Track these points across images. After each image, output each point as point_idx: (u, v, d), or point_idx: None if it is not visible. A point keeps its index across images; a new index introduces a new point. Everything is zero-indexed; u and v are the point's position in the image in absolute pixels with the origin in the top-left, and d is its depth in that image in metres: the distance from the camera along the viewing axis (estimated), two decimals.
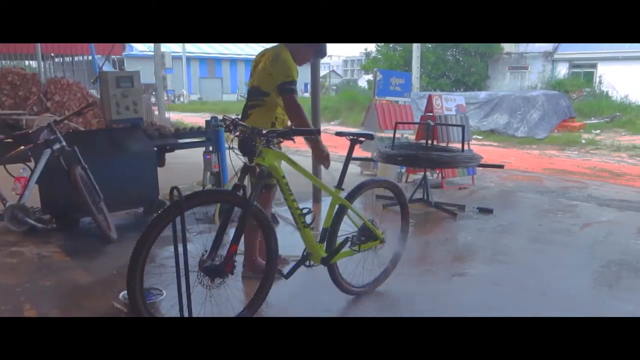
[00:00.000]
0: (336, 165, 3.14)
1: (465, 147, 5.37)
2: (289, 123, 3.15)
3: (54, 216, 4.35)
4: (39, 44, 13.11)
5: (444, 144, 6.07)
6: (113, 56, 19.06)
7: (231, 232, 2.50)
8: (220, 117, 4.29)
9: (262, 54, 3.14)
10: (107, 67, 13.71)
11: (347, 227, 2.90)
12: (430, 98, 6.85)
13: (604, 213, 5.23)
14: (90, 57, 14.19)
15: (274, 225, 3.66)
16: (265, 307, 2.72)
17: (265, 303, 2.68)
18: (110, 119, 4.61)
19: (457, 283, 3.31)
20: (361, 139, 2.89)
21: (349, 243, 2.87)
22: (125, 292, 2.51)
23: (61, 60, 17.21)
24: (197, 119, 15.75)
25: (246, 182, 2.51)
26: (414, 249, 3.75)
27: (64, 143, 3.98)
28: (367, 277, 3.07)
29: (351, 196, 2.89)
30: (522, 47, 22.94)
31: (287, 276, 2.74)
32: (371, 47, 27.25)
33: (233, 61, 38.18)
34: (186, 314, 2.27)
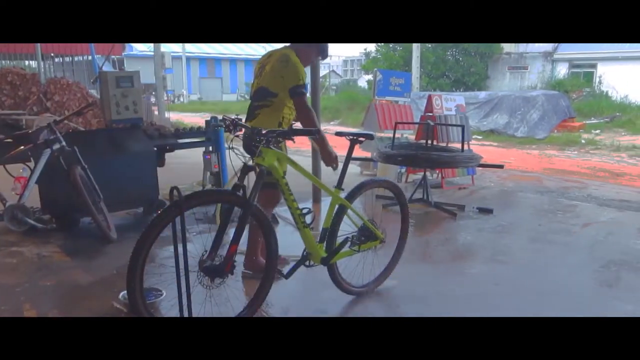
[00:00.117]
0: None
1: (465, 147, 5.37)
2: (291, 121, 3.16)
3: (53, 216, 4.35)
4: (39, 44, 13.12)
5: (443, 144, 6.07)
6: (113, 56, 19.07)
7: (231, 232, 2.50)
8: (220, 117, 4.30)
9: (269, 55, 3.15)
10: (107, 67, 13.72)
11: (347, 227, 2.90)
12: (430, 98, 6.85)
13: (604, 213, 5.24)
14: (90, 57, 14.18)
15: (274, 225, 3.67)
16: (265, 307, 2.72)
17: (265, 303, 2.68)
18: (110, 119, 4.61)
19: (456, 283, 3.30)
20: (361, 139, 2.89)
21: (348, 243, 2.87)
22: (125, 292, 2.51)
23: (61, 60, 17.22)
24: (197, 119, 15.75)
25: (246, 182, 2.51)
26: (414, 249, 3.75)
27: (63, 143, 3.98)
28: (367, 277, 3.07)
29: (351, 196, 2.89)
30: (522, 47, 22.93)
31: (287, 276, 2.74)
32: (371, 47, 27.27)
33: (233, 61, 38.19)
34: (186, 314, 2.27)
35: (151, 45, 15.48)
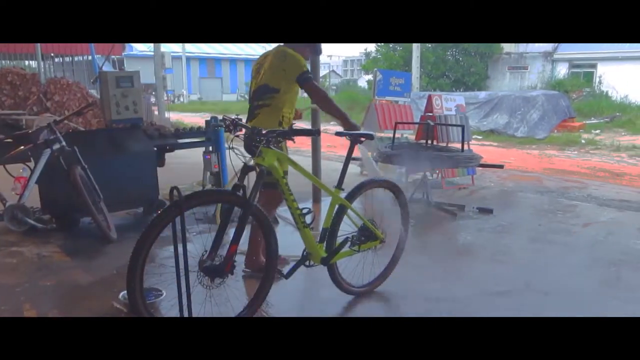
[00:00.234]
0: (336, 165, 3.14)
1: (465, 147, 5.37)
2: (291, 120, 3.17)
3: (53, 216, 4.35)
4: (39, 44, 13.11)
5: (443, 144, 6.07)
6: (113, 56, 19.06)
7: (231, 232, 2.50)
8: (220, 117, 4.29)
9: (265, 55, 3.17)
10: (107, 67, 13.72)
11: (347, 227, 2.90)
12: (430, 98, 6.85)
13: (604, 213, 5.23)
14: (90, 57, 14.18)
15: (274, 225, 3.67)
16: (265, 307, 2.72)
17: (265, 303, 2.68)
18: (110, 119, 4.61)
19: (456, 283, 3.30)
20: (361, 139, 2.89)
21: (348, 243, 2.87)
22: (125, 292, 2.51)
23: (61, 60, 17.21)
24: (197, 119, 15.75)
25: (246, 182, 2.51)
26: (414, 248, 3.74)
27: (63, 143, 3.98)
28: (367, 277, 3.07)
29: (351, 196, 2.90)
30: (522, 47, 22.93)
31: (287, 276, 2.74)
32: (371, 47, 27.27)
33: (233, 61, 38.19)
34: (186, 314, 2.27)
35: (151, 45, 15.47)
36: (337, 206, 2.83)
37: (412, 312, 2.84)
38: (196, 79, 36.61)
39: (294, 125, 3.21)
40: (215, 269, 2.34)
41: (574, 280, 3.38)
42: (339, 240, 2.85)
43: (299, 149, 6.49)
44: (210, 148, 4.93)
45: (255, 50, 36.21)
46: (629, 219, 5.01)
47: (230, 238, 2.42)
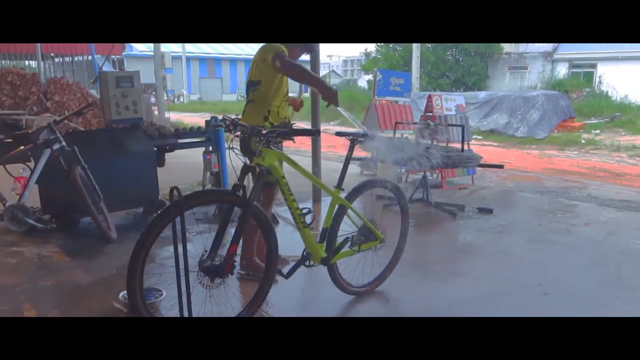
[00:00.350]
0: (336, 165, 3.14)
1: (465, 147, 5.37)
2: (283, 116, 3.16)
3: (53, 216, 4.35)
4: (39, 44, 13.09)
5: (443, 144, 6.07)
6: (113, 56, 19.06)
7: (231, 232, 2.50)
8: (220, 117, 4.29)
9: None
10: (107, 67, 13.71)
11: (347, 227, 2.90)
12: (430, 98, 6.85)
13: (604, 213, 5.23)
14: (90, 57, 14.17)
15: (274, 225, 3.66)
16: (265, 307, 2.72)
17: (265, 303, 2.68)
18: (110, 119, 4.61)
19: (457, 283, 3.30)
20: (361, 139, 2.89)
21: (348, 243, 2.87)
22: (125, 292, 2.51)
23: (61, 60, 17.19)
24: (197, 119, 15.75)
25: (246, 182, 2.50)
26: (414, 248, 3.75)
27: (63, 143, 3.98)
28: (367, 277, 3.06)
29: (351, 196, 2.89)
30: (522, 47, 22.93)
31: (287, 276, 2.73)
32: (371, 47, 27.25)
33: (233, 61, 38.17)
34: (186, 314, 2.27)
35: (151, 45, 15.46)
36: (337, 206, 2.83)
37: (412, 312, 2.84)
38: (196, 79, 36.59)
39: (293, 125, 3.21)
40: (215, 269, 2.34)
41: (574, 280, 3.38)
42: (339, 240, 2.85)
43: (298, 149, 6.49)
44: (210, 148, 4.93)
45: (255, 50, 36.15)
46: (629, 219, 5.01)
47: (230, 238, 2.42)
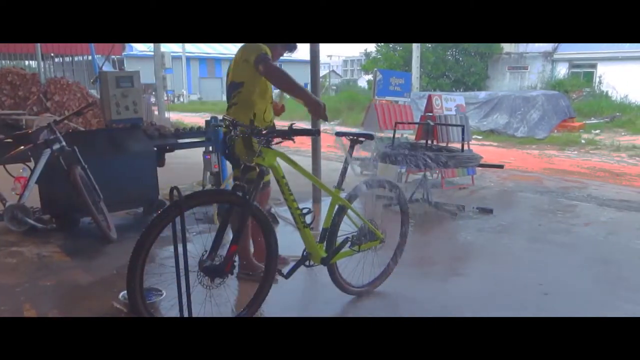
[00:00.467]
0: (336, 165, 3.14)
1: (465, 147, 5.37)
2: (269, 119, 3.11)
3: (54, 216, 4.35)
4: (39, 44, 13.10)
5: (443, 144, 6.07)
6: (113, 56, 19.06)
7: (231, 232, 2.50)
8: (220, 117, 4.29)
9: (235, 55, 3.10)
10: (107, 67, 13.72)
11: (347, 227, 2.90)
12: (430, 98, 6.85)
13: (604, 213, 5.24)
14: (90, 57, 14.18)
15: (274, 225, 3.66)
16: (265, 307, 2.72)
17: (265, 303, 2.68)
18: (110, 119, 4.61)
19: (457, 283, 3.31)
20: (361, 139, 2.89)
21: (348, 243, 2.87)
22: (125, 292, 2.51)
23: (61, 60, 17.19)
24: (197, 119, 15.75)
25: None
26: (414, 248, 3.75)
27: (63, 143, 3.98)
28: (367, 277, 3.06)
29: (351, 196, 2.89)
30: (522, 47, 22.93)
31: (287, 276, 2.73)
32: (371, 47, 27.24)
33: None
34: (186, 314, 2.27)
35: (151, 45, 15.47)
36: (337, 206, 2.82)
37: (412, 312, 2.84)
38: (196, 79, 36.59)
39: (293, 125, 3.20)
40: (215, 269, 2.34)
41: (574, 280, 3.38)
42: (339, 240, 2.85)
43: (298, 149, 6.49)
44: (210, 148, 4.93)
45: None
46: (629, 219, 5.01)
47: (230, 238, 2.42)
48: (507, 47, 22.98)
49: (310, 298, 3.13)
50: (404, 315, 2.80)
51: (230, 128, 2.57)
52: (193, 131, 5.30)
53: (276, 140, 2.54)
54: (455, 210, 5.17)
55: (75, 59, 16.75)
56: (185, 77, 33.63)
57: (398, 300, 3.07)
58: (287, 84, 2.85)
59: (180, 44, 32.19)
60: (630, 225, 4.79)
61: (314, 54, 5.04)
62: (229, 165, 4.43)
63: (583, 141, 12.13)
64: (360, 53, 44.76)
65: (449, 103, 7.00)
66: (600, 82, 20.28)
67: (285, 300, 2.98)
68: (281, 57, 3.29)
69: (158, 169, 4.73)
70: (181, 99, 31.35)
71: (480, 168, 6.20)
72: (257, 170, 2.48)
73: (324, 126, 5.07)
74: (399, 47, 23.25)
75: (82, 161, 3.94)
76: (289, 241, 3.24)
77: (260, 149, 2.49)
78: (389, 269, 3.19)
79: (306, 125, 4.68)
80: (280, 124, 3.08)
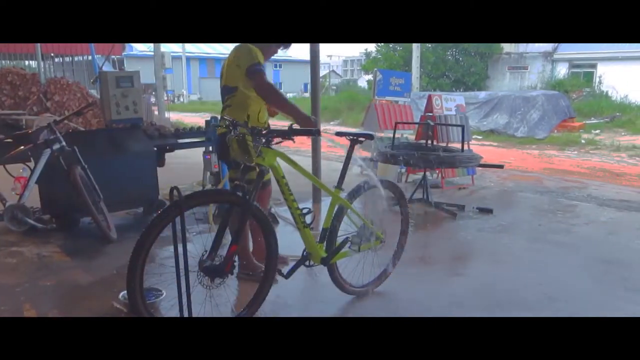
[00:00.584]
0: (336, 165, 3.14)
1: (465, 147, 5.37)
2: (264, 121, 3.10)
3: (54, 216, 4.35)
4: (39, 44, 13.10)
5: (443, 144, 6.07)
6: (113, 56, 19.05)
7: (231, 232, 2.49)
8: (219, 117, 4.28)
9: (228, 56, 3.09)
10: (107, 67, 13.71)
11: (347, 227, 2.90)
12: (430, 98, 6.85)
13: (604, 213, 5.24)
14: (90, 57, 14.18)
15: (274, 225, 3.66)
16: (265, 307, 2.72)
17: (265, 303, 2.68)
18: (110, 119, 4.61)
19: (457, 283, 3.30)
20: (361, 139, 2.89)
21: (348, 243, 2.87)
22: (125, 292, 2.51)
23: (61, 60, 17.19)
24: (197, 119, 15.76)
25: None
26: (414, 248, 3.75)
27: (63, 143, 3.98)
28: (367, 277, 3.06)
29: (351, 196, 2.89)
30: (522, 47, 22.93)
31: (287, 276, 2.73)
32: (371, 47, 27.25)
33: None
34: (186, 314, 2.27)
35: (151, 45, 15.47)
36: (337, 206, 2.82)
37: (412, 312, 2.84)
38: (196, 79, 36.61)
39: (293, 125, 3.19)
40: (215, 269, 2.34)
41: (574, 280, 3.38)
42: (339, 240, 2.85)
43: (298, 149, 6.49)
44: (210, 148, 4.93)
45: None
46: (629, 219, 5.02)
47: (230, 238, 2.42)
48: (507, 47, 22.99)
49: (310, 298, 3.13)
50: (404, 315, 2.80)
51: (230, 128, 2.57)
52: (193, 131, 5.30)
53: (276, 140, 2.55)
54: (455, 210, 5.17)
55: (75, 59, 16.75)
56: (185, 77, 33.65)
57: (398, 300, 3.07)
58: (278, 101, 2.92)
59: (180, 44, 32.20)
60: (630, 225, 4.79)
61: (314, 54, 5.04)
62: None
63: (583, 141, 12.13)
64: (360, 53, 44.76)
65: (449, 103, 7.00)
66: (600, 82, 20.29)
67: (285, 300, 2.98)
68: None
69: (158, 169, 4.73)
70: (181, 99, 31.36)
71: (480, 168, 6.21)
72: (257, 170, 2.49)
73: (323, 126, 5.07)
74: (399, 47, 23.26)
75: (82, 161, 3.94)
76: (289, 241, 3.24)
77: (260, 149, 2.49)
78: (389, 269, 3.19)
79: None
80: (280, 124, 3.08)
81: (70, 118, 5.31)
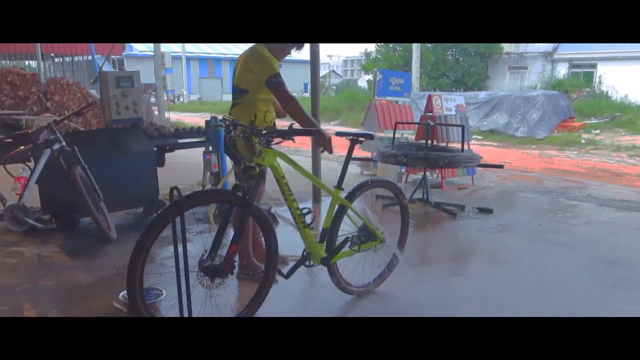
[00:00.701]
0: (336, 165, 3.14)
1: (465, 147, 5.37)
2: (270, 120, 3.12)
3: (53, 216, 4.35)
4: (39, 44, 13.10)
5: (443, 144, 6.07)
6: (113, 56, 19.06)
7: (231, 232, 2.50)
8: (219, 117, 4.29)
9: (242, 54, 3.11)
10: (107, 67, 13.71)
11: (347, 227, 2.90)
12: (430, 98, 6.85)
13: (604, 213, 5.24)
14: (90, 57, 14.18)
15: (274, 225, 3.66)
16: (265, 307, 2.72)
17: (265, 303, 2.68)
18: (110, 119, 4.61)
19: (457, 283, 3.30)
20: (361, 139, 2.89)
21: (348, 243, 2.87)
22: (125, 292, 2.51)
23: (61, 60, 17.20)
24: (197, 119, 15.76)
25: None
26: (414, 248, 3.75)
27: (63, 143, 3.98)
28: (367, 277, 3.06)
29: (351, 196, 2.89)
30: (522, 47, 22.93)
31: (287, 276, 2.73)
32: (371, 47, 27.25)
33: (233, 61, 37.55)
34: (186, 314, 2.27)
35: (151, 45, 15.48)
36: (337, 206, 2.82)
37: (412, 312, 2.84)
38: (196, 79, 36.61)
39: (293, 125, 3.20)
40: (215, 269, 2.34)
41: (574, 280, 3.38)
42: (339, 240, 2.85)
43: (299, 149, 6.50)
44: (210, 148, 4.93)
45: None
46: (629, 219, 5.01)
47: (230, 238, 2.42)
48: (507, 47, 22.99)
49: (310, 298, 3.13)
50: (404, 315, 2.80)
51: (230, 128, 2.57)
52: (193, 131, 5.31)
53: (276, 140, 2.56)
54: (455, 210, 5.17)
55: (75, 59, 16.75)
56: (185, 77, 33.65)
57: (398, 300, 3.07)
58: (295, 112, 2.94)
59: (180, 44, 32.20)
60: (630, 225, 4.79)
61: (314, 54, 5.04)
62: (228, 166, 4.44)
63: (583, 141, 12.13)
64: (360, 53, 44.80)
65: (449, 103, 7.00)
66: (600, 82, 20.29)
67: (285, 300, 2.98)
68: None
69: (158, 169, 4.73)
70: (181, 99, 31.36)
71: (480, 168, 6.21)
72: (257, 170, 2.49)
73: (324, 126, 5.07)
74: (399, 47, 23.26)
75: (82, 161, 3.94)
76: (289, 241, 3.24)
77: (260, 149, 2.49)
78: (389, 269, 3.19)
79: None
80: (286, 124, 3.09)
81: (70, 118, 5.31)
